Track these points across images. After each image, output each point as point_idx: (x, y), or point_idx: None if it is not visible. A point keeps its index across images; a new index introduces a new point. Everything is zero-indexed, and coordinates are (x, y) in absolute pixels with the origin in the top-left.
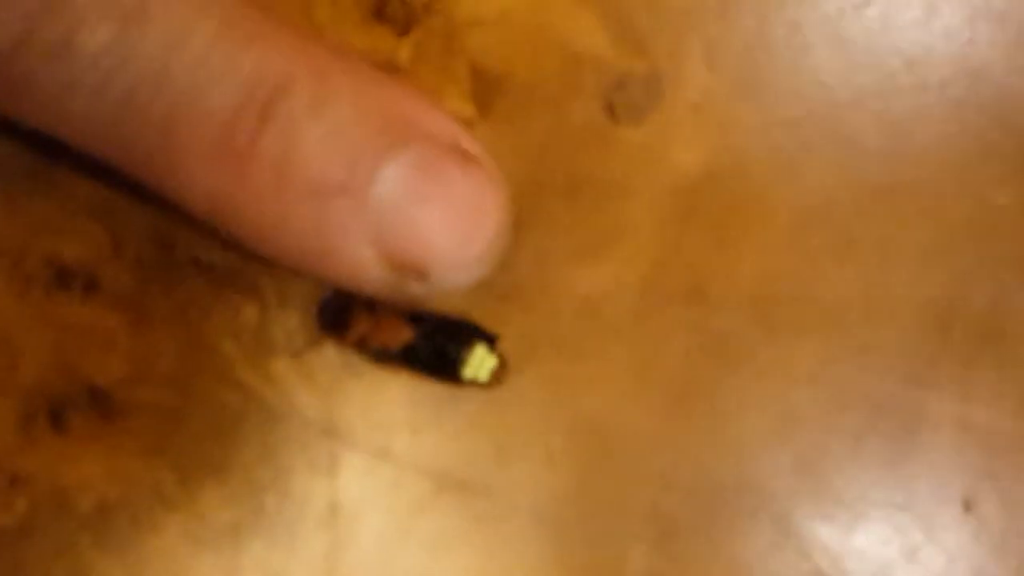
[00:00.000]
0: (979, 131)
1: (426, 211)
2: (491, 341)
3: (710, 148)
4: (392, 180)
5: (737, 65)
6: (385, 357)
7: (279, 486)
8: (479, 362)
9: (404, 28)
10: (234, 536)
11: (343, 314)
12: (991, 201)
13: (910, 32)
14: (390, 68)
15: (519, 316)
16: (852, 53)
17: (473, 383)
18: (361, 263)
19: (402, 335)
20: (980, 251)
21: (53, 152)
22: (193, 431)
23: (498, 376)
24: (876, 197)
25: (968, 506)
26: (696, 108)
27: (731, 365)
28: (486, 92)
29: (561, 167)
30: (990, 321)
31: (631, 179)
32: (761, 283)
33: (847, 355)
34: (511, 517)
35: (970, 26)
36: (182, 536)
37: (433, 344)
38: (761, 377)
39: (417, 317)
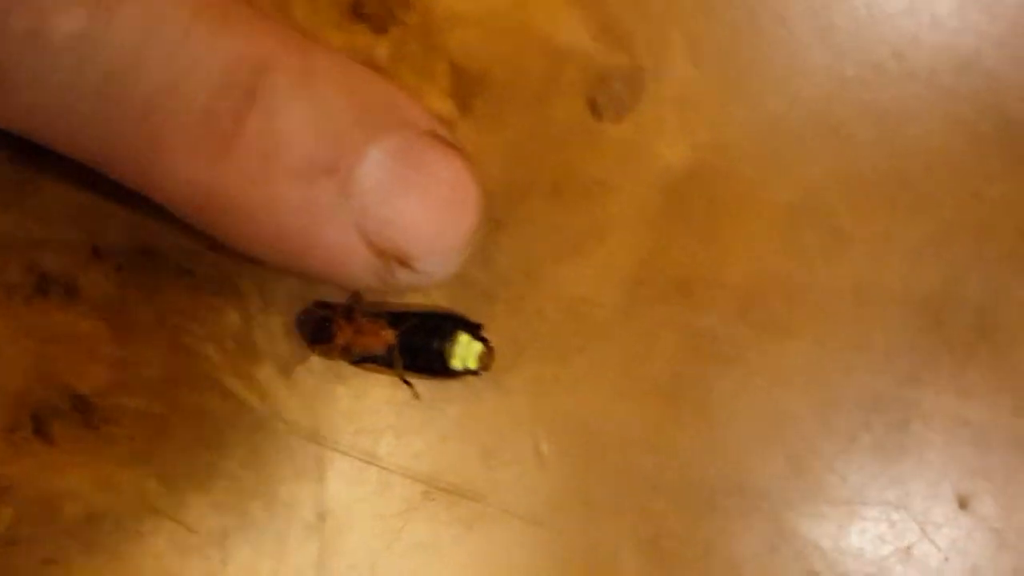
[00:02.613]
0: (969, 122)
1: (409, 197)
2: (474, 329)
3: (695, 143)
4: (376, 164)
5: (721, 58)
6: (371, 361)
7: (266, 492)
8: (465, 350)
9: (382, 26)
10: (221, 543)
11: (324, 325)
12: (983, 193)
13: (898, 21)
14: (369, 67)
15: (504, 317)
16: (838, 43)
17: (465, 372)
18: (347, 250)
19: (384, 338)
20: (974, 245)
21: (31, 161)
22: (178, 438)
23: (486, 362)
24: (866, 190)
25: (963, 504)
26: (680, 102)
27: (720, 365)
28: (466, 90)
29: (544, 165)
30: (985, 316)
31: (615, 176)
32: (750, 281)
33: (839, 354)
34: (501, 520)
35: (959, 15)
36: (169, 544)
37: (417, 342)
38: (751, 377)
39: (397, 319)
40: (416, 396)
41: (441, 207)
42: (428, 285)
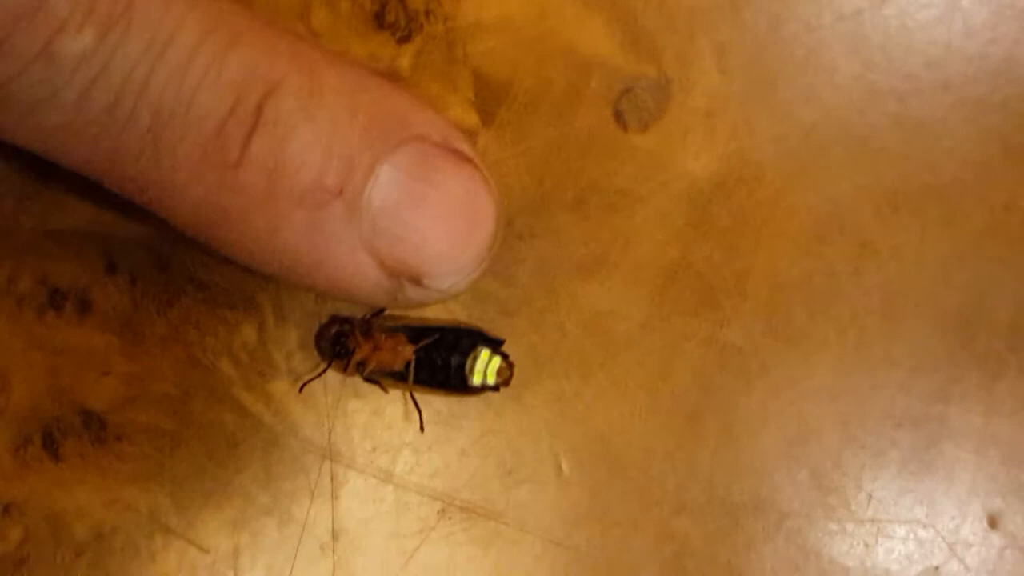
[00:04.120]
0: (1002, 133)
1: (421, 213)
2: (494, 344)
3: (721, 154)
4: (386, 183)
5: (749, 68)
6: (389, 377)
7: (279, 511)
8: (484, 366)
9: (405, 35)
10: (233, 562)
11: (341, 340)
12: (1015, 205)
13: (930, 31)
14: (391, 76)
15: (524, 332)
16: (869, 53)
17: (484, 388)
18: (357, 270)
19: (403, 354)
20: (1004, 257)
21: (43, 172)
22: (190, 455)
23: (505, 377)
24: (894, 203)
25: (993, 523)
26: (707, 113)
27: (745, 380)
28: (490, 100)
29: (567, 176)
30: (1015, 330)
31: (640, 188)
32: (775, 294)
33: (865, 369)
34: (519, 539)
35: (992, 24)
36: (180, 563)
37: (436, 357)
38: (776, 392)
39: (416, 334)
40: (421, 428)
41: (453, 223)
42: (440, 301)
